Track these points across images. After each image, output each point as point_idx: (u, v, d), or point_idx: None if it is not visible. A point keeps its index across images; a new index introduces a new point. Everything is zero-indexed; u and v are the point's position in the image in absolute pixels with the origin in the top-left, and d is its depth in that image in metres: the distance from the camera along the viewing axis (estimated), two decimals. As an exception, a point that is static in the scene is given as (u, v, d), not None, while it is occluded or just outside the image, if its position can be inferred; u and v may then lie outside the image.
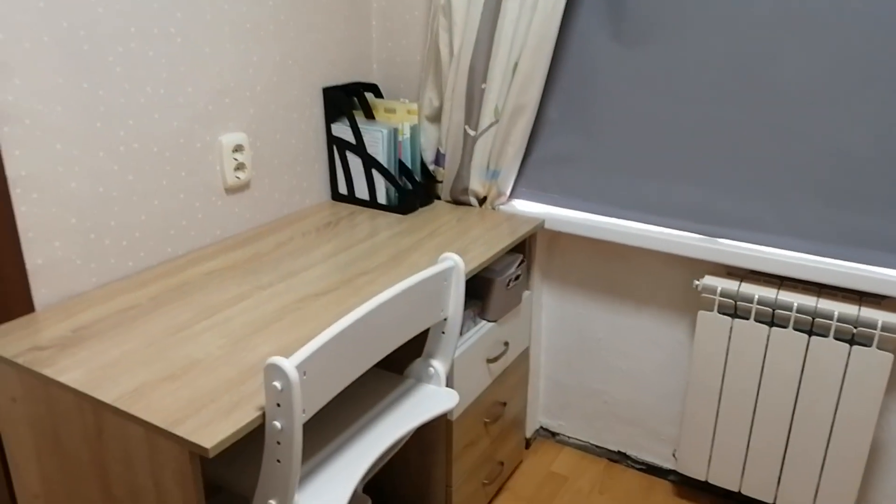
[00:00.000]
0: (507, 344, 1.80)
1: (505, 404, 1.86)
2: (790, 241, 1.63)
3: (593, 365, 2.05)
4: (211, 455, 0.94)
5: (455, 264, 1.34)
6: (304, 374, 1.00)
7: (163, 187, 1.52)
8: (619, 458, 2.10)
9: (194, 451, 0.96)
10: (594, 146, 1.81)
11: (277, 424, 0.99)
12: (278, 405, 0.98)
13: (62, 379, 1.08)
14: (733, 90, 1.60)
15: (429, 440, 1.65)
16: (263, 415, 1.01)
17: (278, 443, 1.00)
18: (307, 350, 1.00)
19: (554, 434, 2.20)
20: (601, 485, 2.01)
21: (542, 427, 2.21)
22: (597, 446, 2.13)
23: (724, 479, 1.80)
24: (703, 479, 1.84)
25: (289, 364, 0.96)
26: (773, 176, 1.62)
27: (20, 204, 1.27)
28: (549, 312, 2.07)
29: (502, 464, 1.92)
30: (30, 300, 1.30)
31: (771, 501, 1.76)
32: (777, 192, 1.62)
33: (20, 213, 1.27)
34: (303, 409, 1.01)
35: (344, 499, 1.11)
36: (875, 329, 1.50)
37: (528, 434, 2.15)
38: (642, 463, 2.07)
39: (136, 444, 1.02)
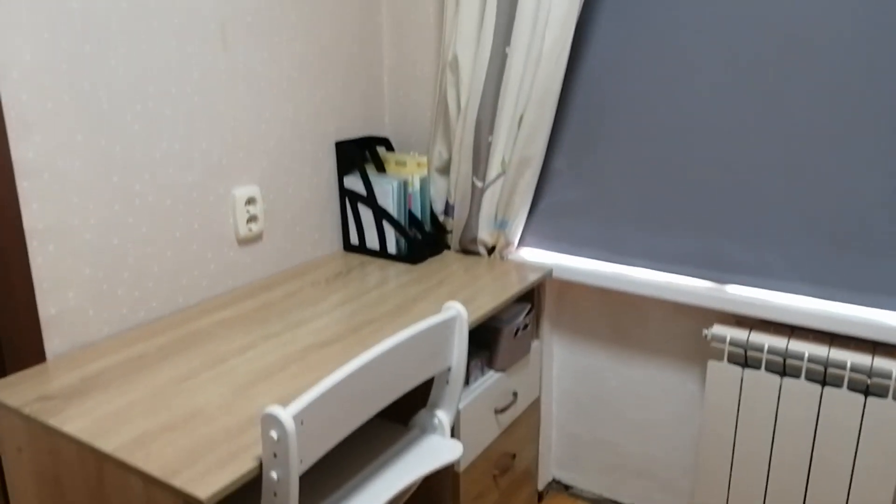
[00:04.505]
0: (515, 394, 1.78)
1: (514, 456, 1.84)
2: (800, 286, 1.62)
3: (605, 416, 2.02)
4: (206, 506, 0.94)
5: (458, 314, 1.35)
6: (302, 423, 1.00)
7: (176, 239, 1.56)
8: (635, 513, 2.05)
9: (190, 503, 0.96)
10: (601, 196, 1.83)
11: (274, 475, 0.99)
12: (275, 455, 0.98)
13: (66, 428, 1.10)
14: (739, 138, 1.62)
15: (436, 493, 1.63)
16: (261, 465, 1.01)
17: (275, 494, 1.00)
18: (305, 399, 1.01)
19: (567, 487, 2.16)
20: (616, 541, 1.96)
21: (554, 480, 2.17)
22: (610, 500, 2.08)
23: (742, 536, 1.74)
24: (720, 535, 1.78)
25: (285, 414, 0.97)
26: (781, 222, 1.61)
27: (36, 255, 1.32)
28: (560, 363, 2.06)
29: (513, 518, 1.88)
30: (42, 350, 1.33)
31: (791, 560, 1.69)
32: (786, 238, 1.62)
33: (36, 264, 1.32)
34: (300, 459, 1.01)
35: (342, 552, 1.10)
36: (890, 380, 1.47)
37: (541, 487, 2.11)
38: (658, 518, 2.01)
39: (136, 494, 1.03)
